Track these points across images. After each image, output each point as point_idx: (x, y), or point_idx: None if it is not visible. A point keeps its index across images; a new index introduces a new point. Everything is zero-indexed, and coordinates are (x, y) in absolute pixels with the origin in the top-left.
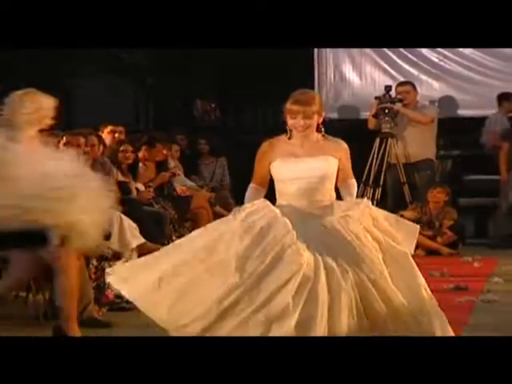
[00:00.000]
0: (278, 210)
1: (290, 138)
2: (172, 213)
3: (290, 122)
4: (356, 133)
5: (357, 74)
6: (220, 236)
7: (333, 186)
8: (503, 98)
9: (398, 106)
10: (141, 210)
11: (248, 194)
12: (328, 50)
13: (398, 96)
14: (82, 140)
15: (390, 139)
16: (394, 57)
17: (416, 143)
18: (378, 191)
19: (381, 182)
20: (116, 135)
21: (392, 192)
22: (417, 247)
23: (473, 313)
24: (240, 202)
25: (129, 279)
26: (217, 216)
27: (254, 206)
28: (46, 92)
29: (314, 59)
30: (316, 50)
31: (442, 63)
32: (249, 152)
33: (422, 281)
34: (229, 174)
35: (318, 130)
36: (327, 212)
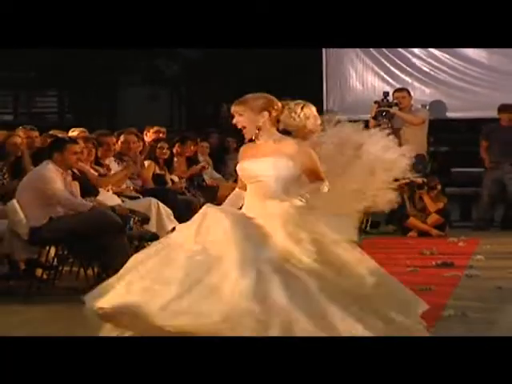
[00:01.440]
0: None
1: (253, 141)
2: (201, 200)
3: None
4: None
5: (359, 81)
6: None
7: (288, 187)
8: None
9: (394, 109)
10: (175, 198)
11: (229, 198)
12: (335, 61)
13: (395, 101)
14: (135, 138)
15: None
16: (391, 67)
17: (409, 141)
18: None
19: None
20: (160, 135)
21: None
22: (410, 229)
23: (458, 285)
24: None
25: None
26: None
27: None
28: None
29: (323, 70)
30: (325, 62)
31: (432, 72)
32: None
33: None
34: None
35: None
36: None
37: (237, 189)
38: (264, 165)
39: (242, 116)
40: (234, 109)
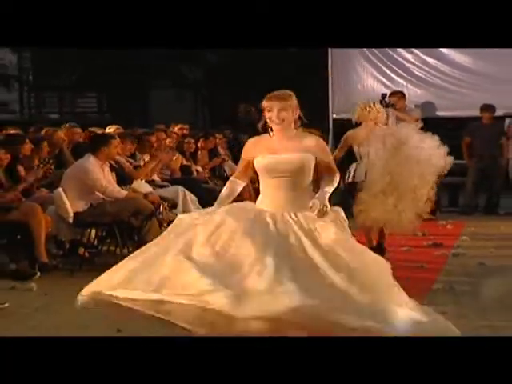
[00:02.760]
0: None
1: (270, 136)
2: (221, 188)
3: (267, 115)
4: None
5: (360, 84)
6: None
7: (309, 180)
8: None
9: (391, 109)
10: (199, 186)
11: (225, 185)
12: (340, 67)
13: (391, 102)
14: (164, 135)
15: None
16: (388, 71)
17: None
18: None
19: None
20: (184, 131)
21: None
22: None
23: (446, 263)
24: None
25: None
26: (256, 191)
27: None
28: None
29: (329, 75)
30: (330, 68)
31: (423, 76)
32: None
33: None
34: None
35: (296, 128)
36: (300, 205)
37: (232, 178)
38: (292, 160)
39: (286, 111)
40: (277, 104)
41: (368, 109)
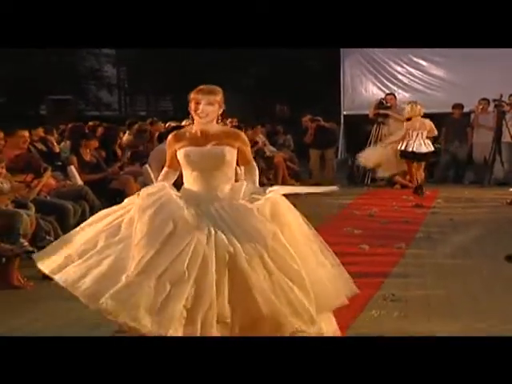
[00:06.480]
0: (172, 192)
1: (192, 130)
2: (263, 165)
3: (193, 107)
4: (363, 121)
5: (363, 89)
6: (126, 212)
7: (231, 172)
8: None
9: (387, 109)
10: None
11: (160, 176)
12: (348, 75)
13: (388, 104)
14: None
15: (381, 125)
16: (383, 79)
17: (396, 129)
18: None
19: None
20: (234, 123)
21: None
22: (395, 183)
23: (425, 219)
24: (299, 158)
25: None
26: (289, 168)
27: (154, 188)
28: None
29: (341, 81)
30: (342, 76)
31: (410, 83)
32: (301, 132)
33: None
34: (293, 144)
35: (217, 122)
36: (225, 195)
37: (166, 168)
38: (218, 152)
39: (212, 106)
40: (205, 98)
41: (414, 107)
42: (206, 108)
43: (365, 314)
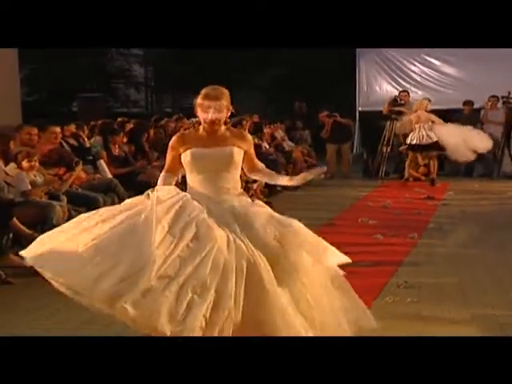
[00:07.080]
0: (188, 195)
1: (197, 131)
2: (282, 160)
3: (201, 115)
4: (377, 117)
5: (378, 87)
6: (138, 213)
7: (238, 174)
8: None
9: (400, 106)
10: (266, 158)
11: (159, 181)
12: (364, 74)
13: (402, 101)
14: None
15: (394, 121)
16: (397, 77)
17: (409, 124)
18: (388, 148)
19: (390, 143)
20: (255, 119)
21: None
22: (408, 178)
23: (437, 210)
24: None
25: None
26: (306, 162)
27: (167, 189)
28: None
29: (356, 80)
30: (358, 74)
31: (422, 81)
32: (318, 127)
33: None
34: (310, 139)
35: (225, 123)
36: (233, 198)
37: (164, 173)
38: (226, 153)
39: (221, 113)
40: (213, 104)
41: (422, 101)
42: (215, 116)
43: (379, 300)
